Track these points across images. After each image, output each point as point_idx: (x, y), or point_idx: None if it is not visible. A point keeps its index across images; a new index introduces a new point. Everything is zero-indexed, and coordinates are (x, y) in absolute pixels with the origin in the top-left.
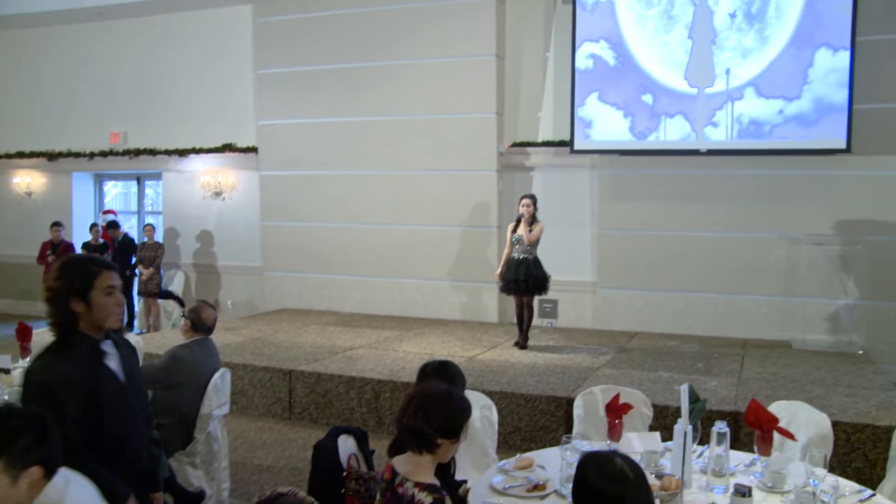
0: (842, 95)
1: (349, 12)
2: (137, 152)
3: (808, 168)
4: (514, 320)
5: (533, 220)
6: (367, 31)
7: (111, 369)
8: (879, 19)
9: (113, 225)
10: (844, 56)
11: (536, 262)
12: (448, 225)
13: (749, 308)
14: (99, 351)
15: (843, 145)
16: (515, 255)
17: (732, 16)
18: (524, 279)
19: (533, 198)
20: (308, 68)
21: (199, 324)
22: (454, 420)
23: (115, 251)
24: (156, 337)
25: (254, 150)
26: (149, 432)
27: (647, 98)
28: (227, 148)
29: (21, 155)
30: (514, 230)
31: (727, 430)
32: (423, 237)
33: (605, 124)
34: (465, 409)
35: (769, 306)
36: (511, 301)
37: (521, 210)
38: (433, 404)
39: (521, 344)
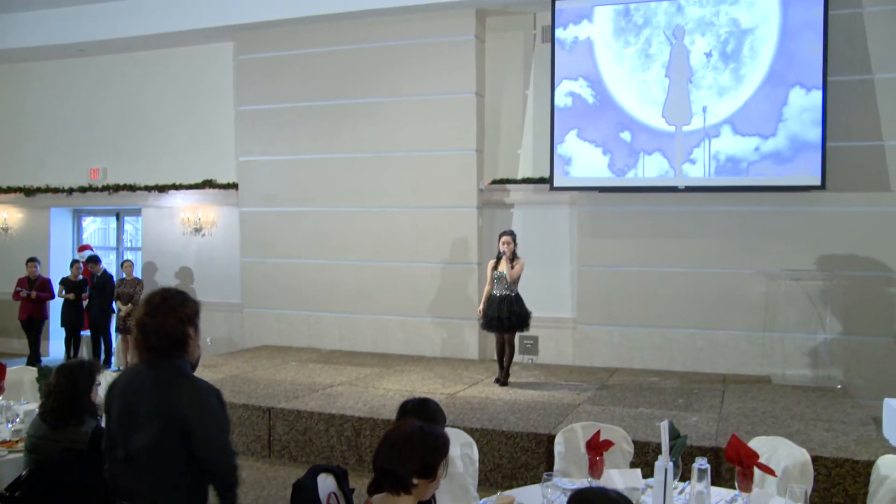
0: (815, 133)
1: (330, 50)
2: (117, 188)
3: (784, 204)
4: (495, 357)
5: (514, 256)
6: (348, 69)
7: None
8: (848, 61)
9: (94, 259)
10: (817, 95)
11: (518, 298)
12: (428, 262)
13: (728, 343)
14: None
15: (817, 182)
16: (497, 292)
17: (708, 55)
18: (507, 316)
19: (513, 234)
20: (289, 105)
21: None
22: (428, 459)
23: (93, 288)
24: None
25: (234, 186)
26: None
27: (626, 135)
28: (208, 184)
29: None
30: (495, 267)
31: (708, 466)
32: (404, 274)
33: (585, 161)
34: (438, 448)
35: (748, 341)
36: (491, 337)
37: (502, 247)
38: (406, 445)
39: (502, 381)
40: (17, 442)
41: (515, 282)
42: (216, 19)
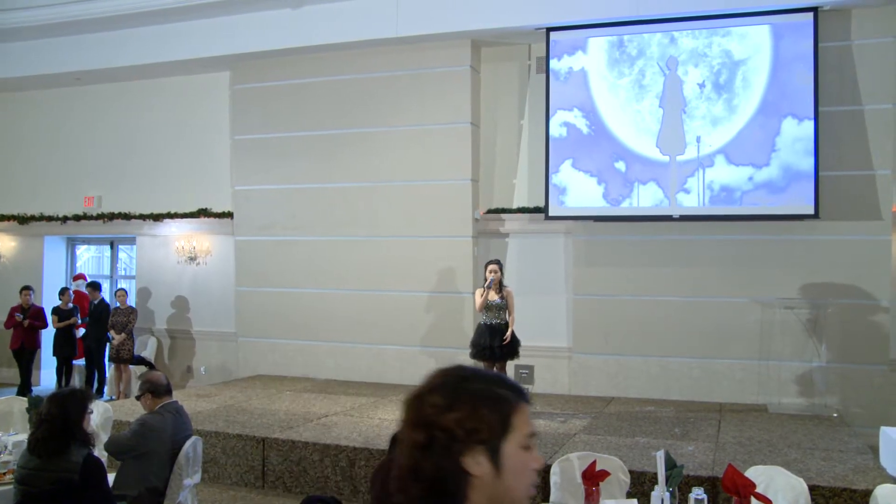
0: (808, 163)
1: (325, 80)
2: (111, 216)
3: (778, 233)
4: None
5: (501, 285)
6: (344, 99)
7: None
8: (838, 92)
9: (94, 286)
10: (809, 125)
11: (508, 326)
12: (423, 291)
13: (724, 372)
14: None
15: (811, 211)
16: (487, 321)
17: (701, 86)
18: (500, 345)
19: (499, 263)
20: (284, 135)
21: (157, 388)
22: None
23: (90, 316)
24: (126, 404)
25: (229, 215)
26: None
27: (620, 165)
28: (203, 213)
29: None
30: (485, 296)
31: (704, 496)
32: (399, 303)
33: (579, 191)
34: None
35: (744, 370)
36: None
37: (489, 275)
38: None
39: None
40: (5, 474)
41: (504, 310)
42: (213, 49)
